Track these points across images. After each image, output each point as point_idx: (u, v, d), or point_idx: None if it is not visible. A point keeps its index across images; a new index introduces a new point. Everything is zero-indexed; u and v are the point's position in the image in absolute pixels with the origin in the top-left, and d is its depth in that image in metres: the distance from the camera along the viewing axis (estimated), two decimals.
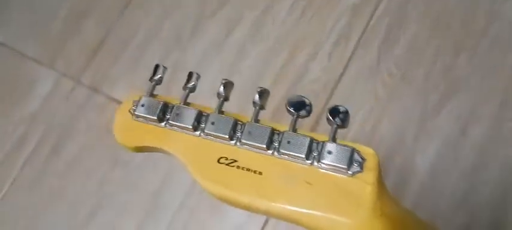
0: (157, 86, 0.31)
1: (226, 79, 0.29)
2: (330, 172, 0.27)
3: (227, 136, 0.28)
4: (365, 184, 0.27)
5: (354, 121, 0.73)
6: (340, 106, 0.28)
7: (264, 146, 0.28)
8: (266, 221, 0.70)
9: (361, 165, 0.27)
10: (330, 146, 0.27)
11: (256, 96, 0.28)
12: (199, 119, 0.29)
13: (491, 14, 0.74)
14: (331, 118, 0.28)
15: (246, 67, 0.78)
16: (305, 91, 0.75)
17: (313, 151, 0.28)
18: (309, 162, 0.28)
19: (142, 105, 0.30)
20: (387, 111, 0.72)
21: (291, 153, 0.27)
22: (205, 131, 0.29)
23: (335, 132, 0.28)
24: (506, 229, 0.65)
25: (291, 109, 0.28)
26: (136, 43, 0.82)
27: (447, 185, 0.68)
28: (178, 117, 0.29)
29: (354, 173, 0.27)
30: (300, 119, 0.29)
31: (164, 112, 0.30)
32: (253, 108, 0.29)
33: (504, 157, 0.67)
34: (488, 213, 0.66)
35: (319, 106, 0.73)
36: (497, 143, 0.68)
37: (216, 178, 0.28)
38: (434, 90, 0.72)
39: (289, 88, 0.75)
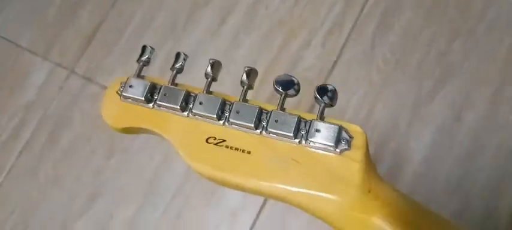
0: (147, 69, 0.31)
1: (213, 60, 0.29)
2: (318, 151, 0.27)
3: (215, 116, 0.28)
4: (353, 161, 0.27)
5: (349, 107, 0.73)
6: (328, 84, 0.28)
7: (252, 125, 0.28)
8: (261, 208, 0.70)
9: (348, 143, 0.27)
10: (318, 124, 0.27)
11: (244, 76, 0.28)
12: (187, 99, 0.29)
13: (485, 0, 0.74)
14: (318, 96, 0.28)
15: (240, 55, 0.77)
16: (299, 79, 0.75)
17: (301, 129, 0.28)
18: (297, 140, 0.28)
19: (130, 86, 0.30)
20: (381, 97, 0.72)
21: (279, 132, 0.27)
22: (193, 111, 0.29)
23: (323, 111, 0.27)
24: (499, 215, 0.65)
25: (279, 88, 0.28)
26: (130, 32, 0.82)
27: (441, 171, 0.68)
28: (166, 97, 0.29)
29: (341, 151, 0.27)
30: (288, 99, 0.28)
31: (152, 93, 0.30)
32: (241, 88, 0.29)
33: (499, 142, 0.68)
34: (483, 199, 0.66)
35: (312, 95, 0.73)
36: (492, 129, 0.68)
37: (205, 158, 0.28)
38: (428, 75, 0.72)
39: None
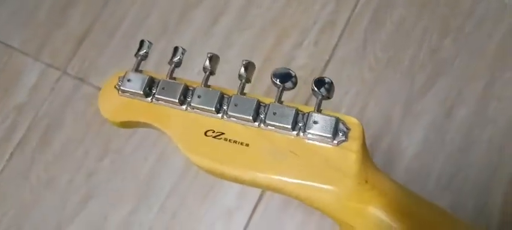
0: (142, 65, 0.31)
1: (211, 54, 0.29)
2: (316, 142, 0.28)
3: (214, 109, 0.28)
4: (350, 152, 0.27)
5: (342, 106, 0.73)
6: (325, 77, 0.28)
7: (251, 118, 0.28)
8: (255, 207, 0.70)
9: (345, 134, 0.27)
10: (316, 116, 0.28)
11: (242, 69, 0.29)
12: (186, 93, 0.29)
13: None
14: (316, 88, 0.28)
15: (233, 55, 0.78)
16: None
17: (299, 121, 0.28)
18: (295, 132, 0.28)
19: (129, 80, 0.30)
20: (374, 94, 0.73)
21: (277, 124, 0.28)
22: (192, 104, 0.29)
23: (320, 103, 0.28)
24: (491, 211, 0.66)
25: (277, 81, 0.28)
26: (122, 33, 0.82)
27: (433, 167, 0.69)
28: (164, 91, 0.29)
29: (339, 143, 0.27)
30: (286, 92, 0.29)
31: (150, 86, 0.30)
32: (239, 81, 0.29)
33: (489, 138, 0.68)
34: (474, 195, 0.67)
35: (307, 92, 0.74)
36: (483, 124, 0.69)
37: (203, 151, 0.28)
38: (420, 72, 0.73)
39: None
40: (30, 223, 0.73)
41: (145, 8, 0.83)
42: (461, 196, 0.66)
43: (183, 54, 0.29)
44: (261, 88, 0.70)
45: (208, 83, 0.29)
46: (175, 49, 0.30)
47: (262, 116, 0.28)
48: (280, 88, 0.28)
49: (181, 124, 0.29)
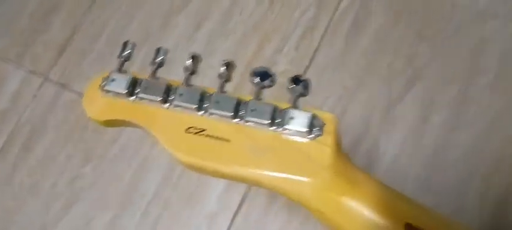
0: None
1: (193, 53, 0.31)
2: (293, 137, 0.29)
3: (195, 107, 0.30)
4: (325, 146, 0.28)
5: (323, 110, 0.75)
6: (301, 75, 0.30)
7: (231, 114, 0.29)
8: (237, 211, 0.71)
9: (321, 129, 0.29)
10: (292, 112, 0.29)
11: (222, 68, 0.30)
12: (168, 92, 0.30)
13: (451, 3, 0.78)
14: (292, 86, 0.29)
15: (216, 60, 0.79)
16: None
17: (277, 118, 0.29)
18: (273, 128, 0.29)
19: (112, 80, 0.31)
20: (353, 99, 0.75)
21: (256, 120, 0.29)
22: (174, 103, 0.30)
23: (296, 99, 0.29)
24: (468, 213, 0.68)
25: (256, 79, 0.30)
26: (105, 39, 0.83)
27: (411, 169, 0.71)
28: (147, 90, 0.30)
29: (314, 137, 0.29)
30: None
31: (133, 86, 0.31)
32: (219, 80, 0.30)
33: (465, 141, 0.71)
34: (451, 196, 0.69)
35: (286, 98, 0.75)
36: (459, 127, 0.72)
37: (185, 148, 0.29)
38: (398, 78, 0.75)
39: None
40: (14, 229, 0.72)
41: (128, 15, 0.84)
42: (438, 197, 0.68)
43: (165, 54, 0.30)
44: (243, 92, 0.72)
45: (192, 84, 0.30)
46: (158, 50, 0.31)
47: (241, 113, 0.29)
48: (259, 86, 0.30)
49: (163, 122, 0.30)
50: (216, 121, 0.30)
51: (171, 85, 0.31)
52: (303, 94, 0.29)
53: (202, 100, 0.30)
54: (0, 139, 0.77)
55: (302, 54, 0.78)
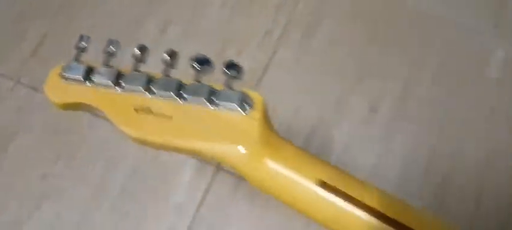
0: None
1: (141, 45, 0.36)
2: (227, 113, 0.34)
3: (142, 89, 0.34)
4: (254, 120, 0.34)
5: (280, 106, 0.80)
6: (234, 61, 0.35)
7: (173, 95, 0.34)
8: (202, 201, 0.75)
9: (250, 106, 0.34)
10: (226, 92, 0.34)
11: (165, 55, 0.35)
12: (119, 77, 0.35)
13: (397, 6, 0.85)
14: (226, 70, 0.35)
15: (181, 63, 0.84)
16: None
17: (213, 97, 0.34)
18: (210, 105, 0.34)
19: (70, 69, 0.35)
20: (308, 95, 0.81)
21: (195, 99, 0.34)
22: (124, 86, 0.35)
23: (229, 81, 0.34)
24: (412, 196, 0.75)
25: (195, 64, 0.35)
26: (76, 42, 0.86)
27: (360, 158, 0.77)
28: (100, 75, 0.35)
29: (245, 112, 0.34)
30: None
31: (88, 73, 0.35)
32: (163, 66, 0.35)
33: (408, 130, 0.77)
34: (397, 180, 0.75)
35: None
36: (403, 119, 0.78)
37: (134, 125, 0.34)
38: (348, 74, 0.81)
39: (219, 79, 0.82)
40: None
41: (98, 19, 0.88)
42: (384, 180, 0.74)
43: (117, 44, 0.35)
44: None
45: (140, 70, 0.35)
46: (110, 41, 0.36)
47: (183, 93, 0.34)
48: (198, 70, 0.35)
49: (115, 103, 0.35)
50: (161, 101, 0.34)
51: (121, 72, 0.35)
52: (236, 77, 0.34)
53: (148, 84, 0.35)
54: None
55: (261, 56, 0.84)
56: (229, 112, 0.34)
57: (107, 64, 0.35)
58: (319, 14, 0.86)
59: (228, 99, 0.34)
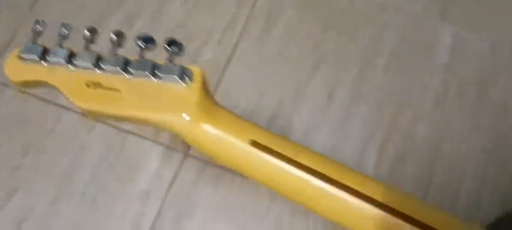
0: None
1: (91, 26, 0.39)
2: (169, 84, 0.38)
3: (93, 66, 0.38)
4: (193, 90, 0.38)
5: (242, 95, 0.84)
6: (176, 38, 0.39)
7: (120, 70, 0.38)
8: (169, 187, 0.79)
9: (190, 78, 0.38)
10: (168, 66, 0.38)
11: (112, 35, 0.39)
12: (71, 56, 0.39)
13: None
14: (167, 47, 0.38)
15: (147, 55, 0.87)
16: None
17: (156, 70, 0.38)
18: (154, 78, 0.38)
19: (27, 50, 0.39)
20: (270, 82, 0.85)
21: (140, 73, 0.38)
22: (76, 64, 0.38)
23: (171, 57, 0.38)
24: (368, 172, 0.79)
25: (141, 42, 0.39)
26: (44, 39, 0.89)
27: (319, 141, 0.81)
28: (55, 55, 0.38)
29: (186, 84, 0.38)
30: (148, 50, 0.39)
31: (44, 53, 0.39)
32: (111, 45, 0.39)
33: (364, 113, 0.82)
34: (354, 158, 0.80)
35: (212, 84, 0.85)
36: (358, 102, 0.83)
37: (85, 98, 0.38)
38: (306, 62, 0.86)
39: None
40: None
41: (68, 15, 0.91)
42: (342, 160, 0.79)
43: (69, 27, 0.39)
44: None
45: (91, 49, 0.39)
46: (62, 24, 0.39)
47: (129, 68, 0.38)
48: (143, 47, 0.39)
49: (68, 79, 0.38)
50: (109, 76, 0.38)
51: (73, 51, 0.39)
52: (177, 53, 0.38)
53: (98, 61, 0.38)
54: None
55: (225, 46, 0.88)
56: (170, 84, 0.38)
57: (60, 46, 0.39)
58: (279, 6, 0.91)
59: (170, 72, 0.38)
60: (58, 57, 0.38)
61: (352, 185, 0.37)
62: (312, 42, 0.88)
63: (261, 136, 0.37)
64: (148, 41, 0.39)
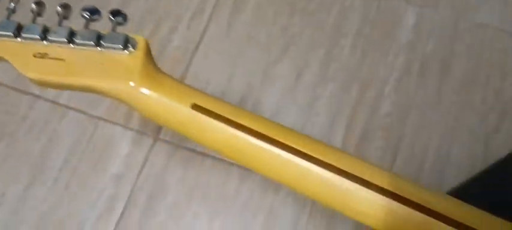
0: None
1: (37, 1, 0.40)
2: (113, 53, 0.39)
3: (39, 38, 0.39)
4: (137, 58, 0.39)
5: (212, 78, 0.86)
6: (120, 9, 0.40)
7: (66, 41, 0.39)
8: (140, 171, 0.80)
9: (134, 46, 0.40)
10: (112, 36, 0.39)
11: (58, 8, 0.40)
12: (19, 29, 0.40)
13: None
14: (111, 17, 0.40)
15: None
16: (169, 58, 0.87)
17: (101, 40, 0.39)
18: (99, 48, 0.39)
19: None
20: (239, 65, 0.87)
21: (85, 43, 0.39)
22: (23, 36, 0.40)
23: (115, 26, 0.40)
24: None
25: (86, 13, 0.40)
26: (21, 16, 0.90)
27: (288, 120, 0.83)
28: (2, 28, 0.40)
29: (129, 52, 0.39)
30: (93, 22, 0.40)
31: None
32: (57, 17, 0.40)
33: (330, 93, 0.84)
34: (321, 135, 0.82)
35: (182, 69, 0.86)
36: (325, 82, 0.85)
37: (33, 68, 0.39)
38: (274, 45, 0.88)
39: (155, 56, 0.87)
40: None
41: None
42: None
43: (15, 2, 0.40)
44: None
45: (37, 22, 0.40)
46: None
47: (74, 39, 0.39)
48: (88, 18, 0.40)
49: (16, 51, 0.39)
50: (55, 47, 0.39)
51: (21, 24, 0.40)
52: (120, 24, 0.40)
53: (44, 33, 0.40)
54: None
55: (193, 32, 0.90)
56: (114, 53, 0.39)
57: (8, 19, 0.40)
58: None
59: (114, 42, 0.39)
60: (6, 30, 0.39)
61: (294, 145, 0.38)
62: (279, 25, 0.89)
63: (203, 100, 0.38)
64: (93, 12, 0.40)
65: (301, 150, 0.39)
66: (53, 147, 0.82)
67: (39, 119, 0.83)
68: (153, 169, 0.81)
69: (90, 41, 0.39)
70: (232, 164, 0.79)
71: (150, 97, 0.39)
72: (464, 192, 0.66)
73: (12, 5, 0.40)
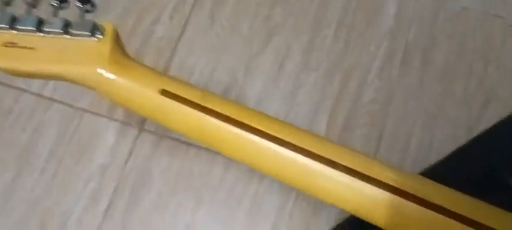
0: None
1: None
2: (80, 40, 0.40)
3: (8, 27, 0.40)
4: (104, 45, 0.40)
5: (195, 70, 0.87)
6: None
7: (35, 29, 0.40)
8: (126, 159, 0.81)
9: (102, 33, 0.40)
10: (80, 23, 0.40)
11: None
12: None
13: None
14: (79, 4, 0.40)
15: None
16: (153, 48, 0.88)
17: (69, 28, 0.40)
18: (67, 35, 0.40)
19: None
20: (222, 57, 0.87)
21: (53, 30, 0.40)
22: None
23: (83, 13, 0.40)
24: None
25: (54, 2, 0.41)
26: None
27: (271, 109, 0.84)
28: None
29: (97, 39, 0.40)
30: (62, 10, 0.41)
31: None
32: (26, 7, 0.41)
33: (313, 81, 0.85)
34: (305, 124, 0.83)
35: (165, 60, 0.87)
36: (307, 71, 0.86)
37: (3, 57, 0.40)
38: (257, 36, 0.88)
39: (139, 47, 0.88)
40: None
41: None
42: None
43: None
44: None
45: (8, 12, 0.41)
46: None
47: (43, 28, 0.40)
48: (58, 7, 0.41)
49: None
50: (25, 36, 0.40)
51: None
52: (89, 11, 0.40)
53: (13, 22, 0.40)
54: None
55: (176, 23, 0.90)
56: (83, 40, 0.40)
57: None
58: None
59: (82, 29, 0.40)
60: None
61: (262, 128, 0.39)
62: (262, 15, 0.90)
63: (171, 85, 0.39)
64: (62, 0, 0.41)
65: (268, 132, 0.39)
66: (38, 137, 0.82)
67: (24, 112, 0.84)
68: (139, 160, 0.82)
69: (58, 28, 0.40)
70: (216, 153, 0.80)
71: (118, 82, 0.39)
72: (433, 173, 0.67)
73: None
